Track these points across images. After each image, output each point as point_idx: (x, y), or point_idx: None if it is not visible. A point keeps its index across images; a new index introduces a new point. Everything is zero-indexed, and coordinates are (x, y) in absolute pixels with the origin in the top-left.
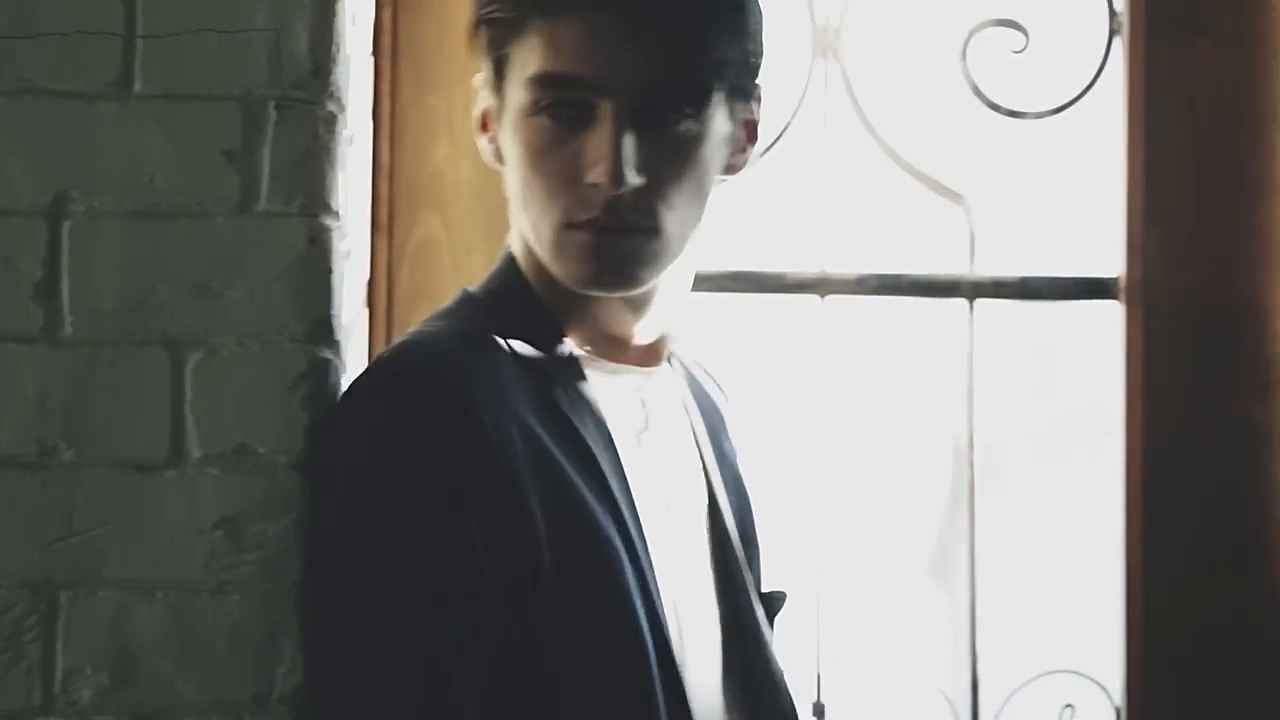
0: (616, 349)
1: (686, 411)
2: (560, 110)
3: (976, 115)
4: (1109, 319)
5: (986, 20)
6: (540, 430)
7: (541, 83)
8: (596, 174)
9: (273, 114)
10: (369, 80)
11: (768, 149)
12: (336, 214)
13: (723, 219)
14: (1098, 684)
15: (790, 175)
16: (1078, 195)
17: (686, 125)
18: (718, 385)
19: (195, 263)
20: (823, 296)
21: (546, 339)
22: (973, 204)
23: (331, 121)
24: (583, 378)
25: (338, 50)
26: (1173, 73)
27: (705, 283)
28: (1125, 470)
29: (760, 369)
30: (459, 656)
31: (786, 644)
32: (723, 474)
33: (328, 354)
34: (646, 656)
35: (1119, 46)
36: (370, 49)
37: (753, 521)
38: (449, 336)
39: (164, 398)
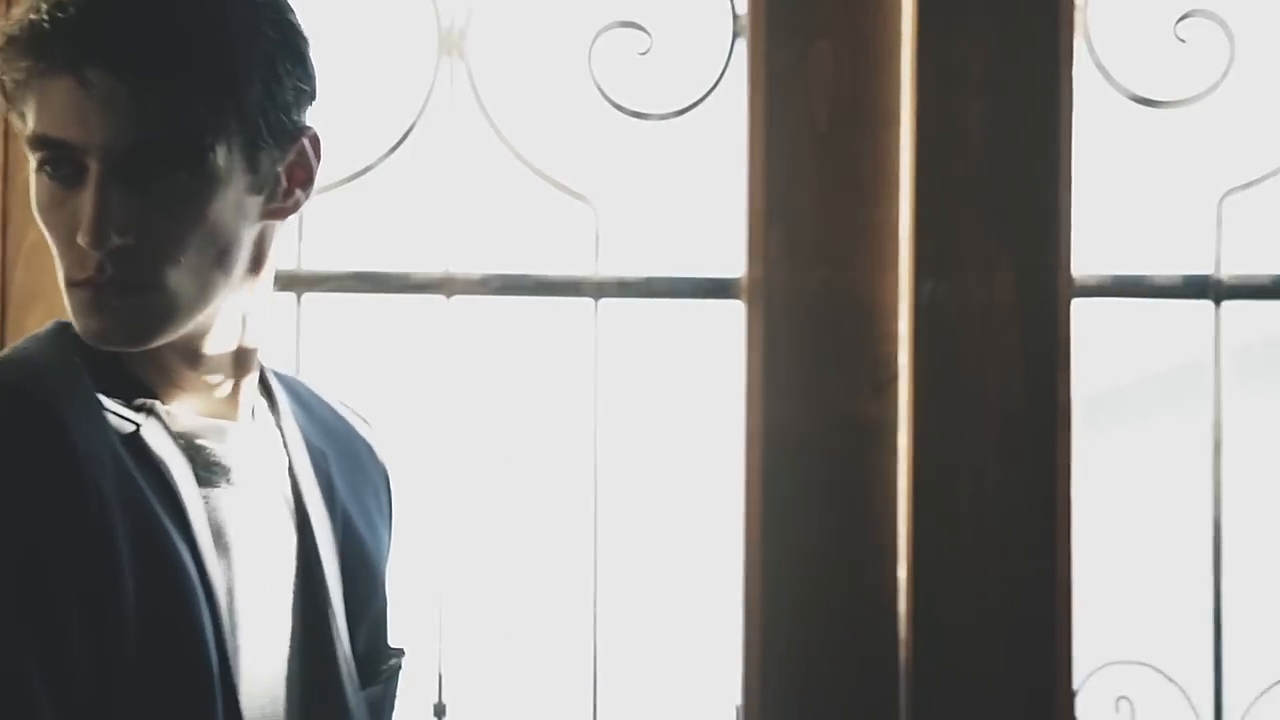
0: (191, 397)
1: (291, 463)
2: (57, 169)
3: (603, 116)
4: (731, 319)
5: (612, 22)
6: (130, 464)
7: (33, 143)
8: (81, 235)
9: None
10: None
11: (393, 149)
12: None
13: (348, 218)
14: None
15: (415, 175)
16: (702, 196)
17: (182, 180)
18: (356, 422)
19: None
20: (448, 297)
21: (124, 384)
22: (598, 204)
23: None
24: (163, 425)
25: None
26: (792, 75)
27: (329, 283)
28: (745, 468)
29: (386, 369)
30: (27, 675)
31: (409, 671)
32: (332, 525)
33: None
34: (214, 700)
35: (741, 49)
36: None
37: (371, 575)
38: (44, 359)
39: None
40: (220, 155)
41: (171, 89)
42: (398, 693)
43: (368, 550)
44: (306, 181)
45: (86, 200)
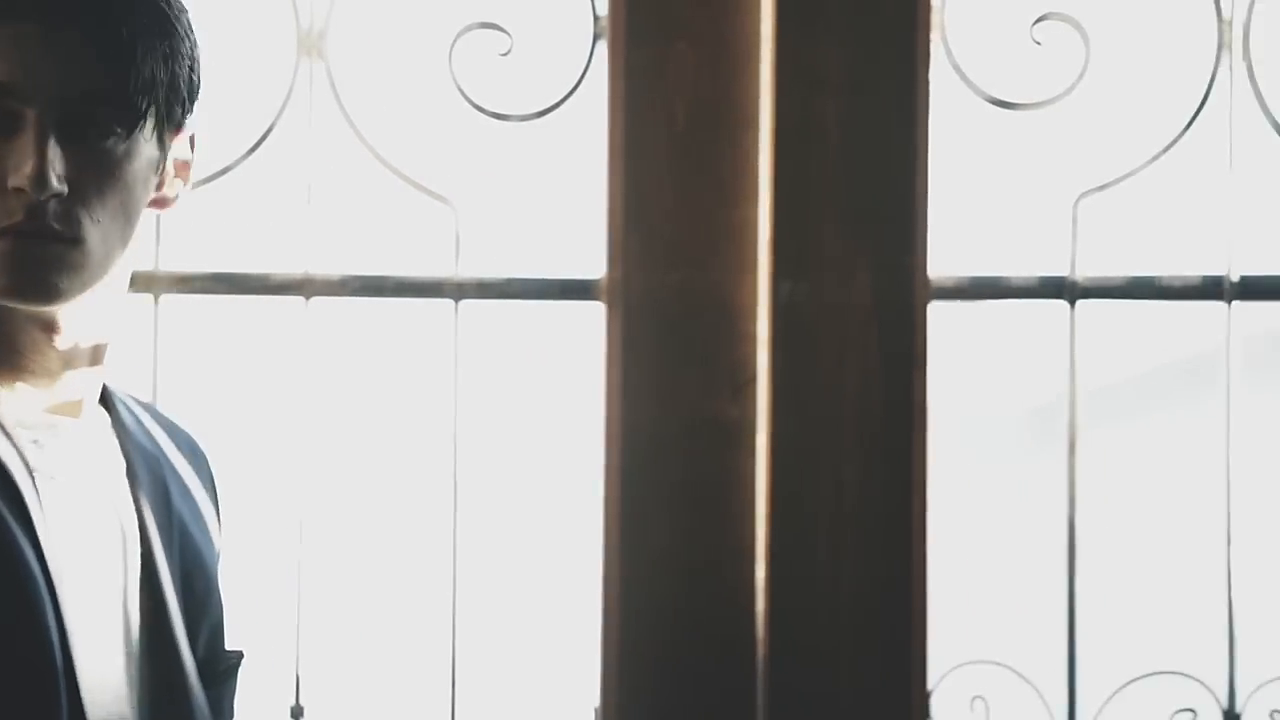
0: (34, 387)
1: (129, 467)
2: None
3: (464, 118)
4: (591, 320)
5: (472, 23)
6: None
7: None
8: (19, 178)
9: None
10: None
11: (252, 150)
12: None
13: (207, 220)
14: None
15: (275, 175)
16: (564, 197)
17: (112, 142)
18: (185, 429)
19: None
20: (307, 298)
21: None
22: (459, 206)
23: None
24: None
25: None
26: (652, 76)
27: (187, 284)
28: (604, 469)
29: (245, 372)
30: None
31: (255, 672)
32: (171, 534)
33: None
34: (59, 699)
35: (602, 50)
36: None
37: (208, 580)
38: None
39: None
40: (148, 122)
41: (123, 45)
42: (236, 691)
43: (204, 556)
44: (186, 175)
45: (27, 145)
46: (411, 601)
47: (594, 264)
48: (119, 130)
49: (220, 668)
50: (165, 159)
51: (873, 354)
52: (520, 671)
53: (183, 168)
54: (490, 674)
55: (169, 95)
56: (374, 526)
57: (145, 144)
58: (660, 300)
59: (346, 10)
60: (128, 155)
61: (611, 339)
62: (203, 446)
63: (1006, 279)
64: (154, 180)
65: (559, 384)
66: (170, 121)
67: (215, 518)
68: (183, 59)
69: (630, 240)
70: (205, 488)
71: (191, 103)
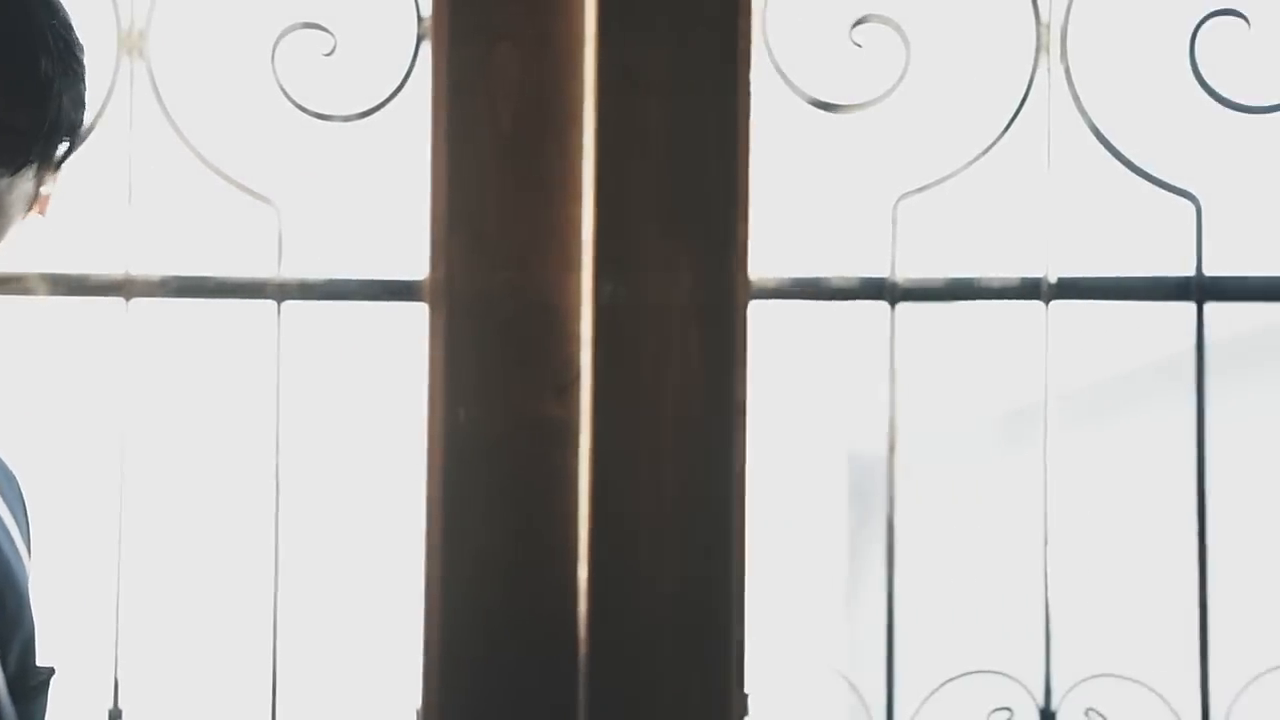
0: None
1: None
2: None
3: (287, 118)
4: (415, 321)
5: (295, 23)
6: None
7: None
8: None
9: None
10: None
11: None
12: None
13: (26, 221)
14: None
15: (96, 175)
16: (389, 198)
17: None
18: None
19: None
20: (128, 299)
21: None
22: (282, 206)
23: None
24: None
25: None
26: (476, 76)
27: (7, 285)
28: (427, 470)
29: (65, 376)
30: None
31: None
32: None
33: None
34: None
35: (427, 50)
36: None
37: (19, 596)
38: None
39: None
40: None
41: (40, 84)
42: (47, 707)
43: (15, 572)
44: (45, 207)
45: None
46: (233, 603)
47: (420, 265)
48: (23, 159)
49: (31, 683)
50: (35, 195)
51: (694, 354)
52: (342, 672)
53: (45, 201)
54: (312, 675)
55: (56, 142)
56: (196, 529)
57: (24, 183)
58: (484, 301)
59: (168, 10)
60: (8, 188)
61: (434, 339)
62: (9, 463)
63: (827, 280)
64: (22, 212)
65: (383, 385)
66: (52, 165)
67: (25, 534)
68: (83, 102)
69: (453, 241)
70: (13, 503)
71: (72, 138)
